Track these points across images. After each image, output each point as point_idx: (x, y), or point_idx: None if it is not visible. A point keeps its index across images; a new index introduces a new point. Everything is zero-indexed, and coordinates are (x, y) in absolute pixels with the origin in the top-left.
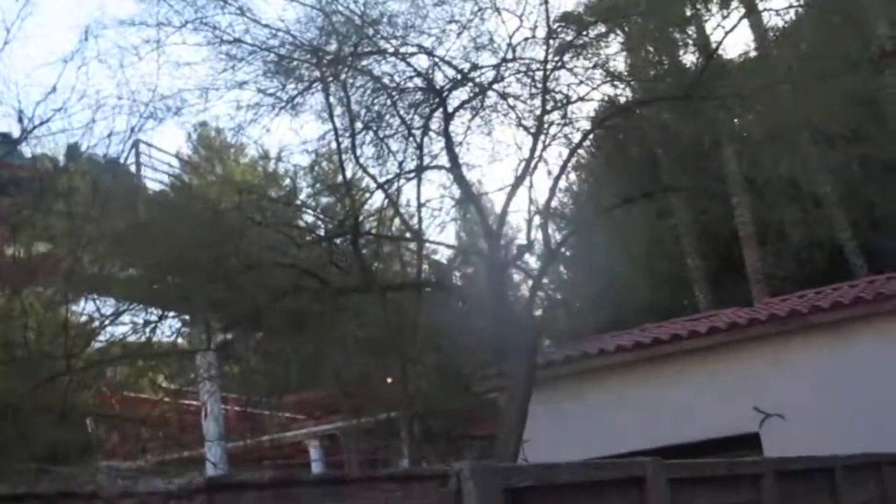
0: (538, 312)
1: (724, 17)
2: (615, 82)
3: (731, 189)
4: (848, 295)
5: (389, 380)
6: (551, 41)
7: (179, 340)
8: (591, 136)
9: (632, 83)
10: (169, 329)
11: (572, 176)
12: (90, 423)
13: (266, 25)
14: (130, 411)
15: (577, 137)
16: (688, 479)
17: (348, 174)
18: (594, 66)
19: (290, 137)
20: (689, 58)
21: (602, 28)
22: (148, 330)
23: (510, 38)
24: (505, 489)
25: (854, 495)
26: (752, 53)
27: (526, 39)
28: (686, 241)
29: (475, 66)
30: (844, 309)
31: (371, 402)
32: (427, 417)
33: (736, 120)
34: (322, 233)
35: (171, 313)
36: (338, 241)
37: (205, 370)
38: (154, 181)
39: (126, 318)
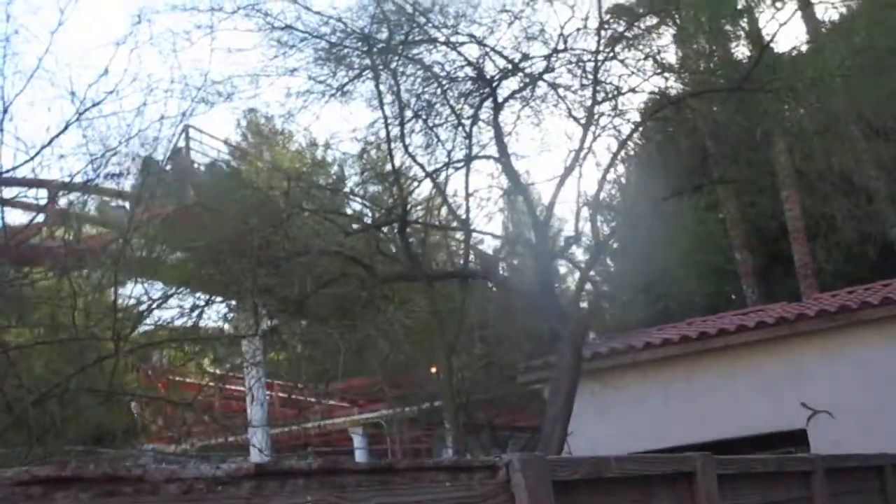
0: (584, 304)
1: (777, 10)
2: (666, 74)
3: (781, 183)
4: None
5: (434, 370)
6: (603, 32)
7: (226, 325)
8: (640, 129)
9: (682, 75)
10: (216, 314)
11: (621, 168)
12: (136, 407)
13: (318, 13)
14: (176, 395)
15: (626, 129)
16: (738, 475)
17: (397, 163)
18: (645, 58)
19: (340, 125)
20: (741, 50)
21: (653, 20)
22: (195, 314)
23: (562, 28)
24: (554, 481)
25: None
26: (805, 47)
27: (578, 30)
28: (734, 234)
29: (526, 56)
30: (894, 305)
31: (415, 391)
32: (471, 407)
33: (788, 113)
34: (369, 221)
35: (219, 298)
36: (385, 229)
37: (251, 355)
38: (204, 166)
39: (173, 302)
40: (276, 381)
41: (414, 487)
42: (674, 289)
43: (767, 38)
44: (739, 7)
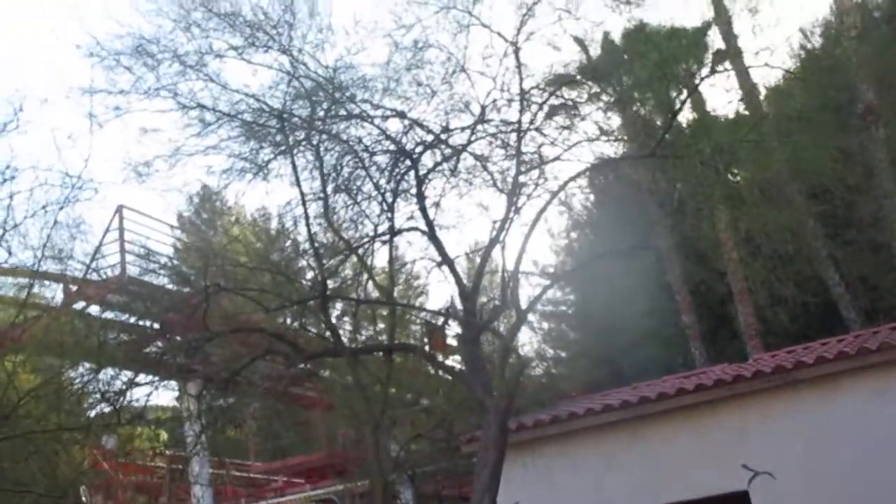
0: (510, 374)
1: (708, 76)
2: (589, 142)
3: (724, 246)
4: (834, 350)
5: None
6: (525, 103)
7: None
8: (564, 195)
9: (613, 142)
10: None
11: (573, 234)
12: (84, 493)
13: (235, 90)
14: (124, 478)
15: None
16: None
17: (321, 238)
18: (567, 128)
19: (266, 201)
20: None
21: (578, 91)
22: (120, 396)
23: (483, 100)
24: None
25: None
26: (742, 110)
27: (494, 101)
28: (681, 298)
29: (446, 129)
30: (829, 364)
31: (361, 465)
32: (419, 479)
33: (730, 176)
34: (293, 297)
35: (147, 378)
36: (309, 304)
37: (193, 436)
38: (137, 245)
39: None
40: (227, 459)
41: None
42: (627, 353)
43: (678, 106)
44: (665, 75)
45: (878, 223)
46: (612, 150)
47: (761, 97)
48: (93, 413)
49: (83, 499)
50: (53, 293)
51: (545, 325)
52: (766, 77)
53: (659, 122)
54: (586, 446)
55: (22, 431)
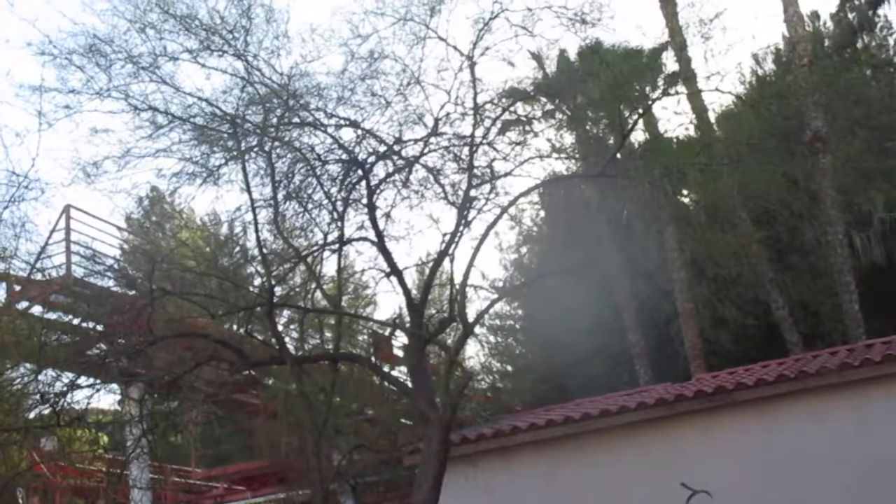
0: (454, 387)
1: (660, 97)
2: (541, 159)
3: (671, 265)
4: (774, 372)
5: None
6: (478, 117)
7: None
8: (514, 211)
9: (561, 159)
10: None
11: (523, 249)
12: (20, 494)
13: (188, 94)
14: (62, 481)
15: (507, 212)
16: None
17: (270, 245)
18: (519, 144)
19: (216, 206)
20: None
21: (532, 108)
22: (61, 397)
23: (436, 113)
24: None
25: None
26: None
27: (448, 115)
28: (626, 316)
29: (399, 140)
30: (768, 386)
31: (303, 474)
32: (360, 490)
33: (679, 198)
34: (239, 303)
35: (89, 380)
36: (256, 311)
37: (133, 439)
38: (83, 246)
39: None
40: (168, 465)
41: None
42: (573, 369)
43: (629, 126)
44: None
45: (820, 249)
46: (563, 167)
47: (712, 121)
48: (32, 414)
49: (19, 501)
50: None
51: (492, 338)
52: (717, 101)
53: (611, 142)
54: (528, 461)
55: None
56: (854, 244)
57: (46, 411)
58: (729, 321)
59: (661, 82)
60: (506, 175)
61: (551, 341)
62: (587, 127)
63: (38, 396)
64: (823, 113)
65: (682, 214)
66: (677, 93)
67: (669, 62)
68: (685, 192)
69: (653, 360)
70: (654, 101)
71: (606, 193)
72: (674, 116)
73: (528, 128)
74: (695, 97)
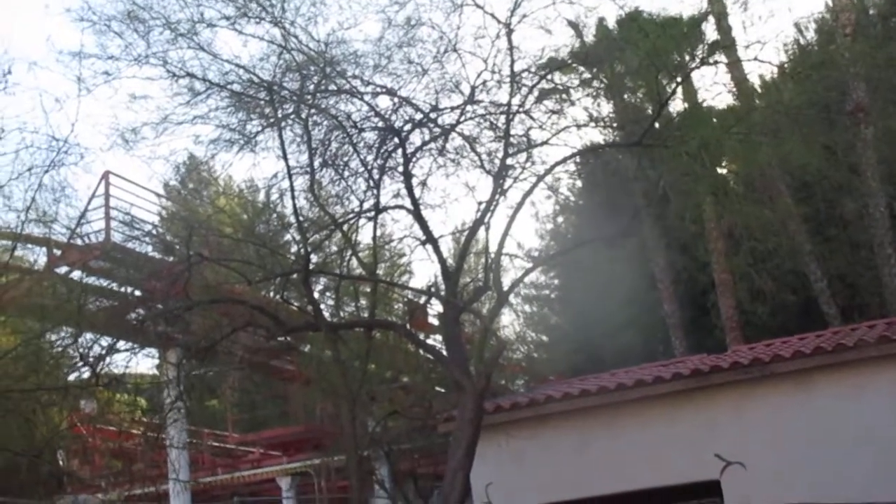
0: (488, 355)
1: (700, 67)
2: (578, 128)
3: (708, 236)
4: (811, 345)
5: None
6: (515, 86)
7: (155, 373)
8: (550, 180)
9: (598, 128)
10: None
11: (559, 219)
12: (61, 456)
13: (225, 61)
14: (102, 444)
15: (543, 180)
16: None
17: (306, 212)
18: (556, 112)
19: (253, 173)
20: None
21: (569, 76)
22: (100, 360)
23: (473, 81)
24: None
25: None
26: (732, 103)
27: (484, 83)
28: (663, 287)
29: (435, 108)
30: (805, 358)
31: (337, 440)
32: (395, 457)
33: (717, 169)
34: (276, 270)
35: (127, 344)
36: (292, 278)
37: (171, 404)
38: (122, 212)
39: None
40: (206, 429)
41: None
42: (608, 340)
43: (668, 95)
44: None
45: (860, 221)
46: (600, 136)
47: (752, 91)
48: (72, 377)
49: (60, 462)
50: (36, 256)
51: (527, 308)
52: (758, 71)
53: (649, 111)
54: (561, 430)
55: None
56: None
57: (86, 375)
58: (766, 293)
59: (700, 51)
60: (542, 144)
61: (587, 312)
62: (625, 96)
63: (77, 358)
64: (865, 83)
65: (720, 185)
66: (716, 62)
67: (709, 31)
68: (723, 162)
69: (688, 331)
70: (692, 70)
71: (643, 163)
72: (713, 86)
73: (565, 96)
74: (734, 66)
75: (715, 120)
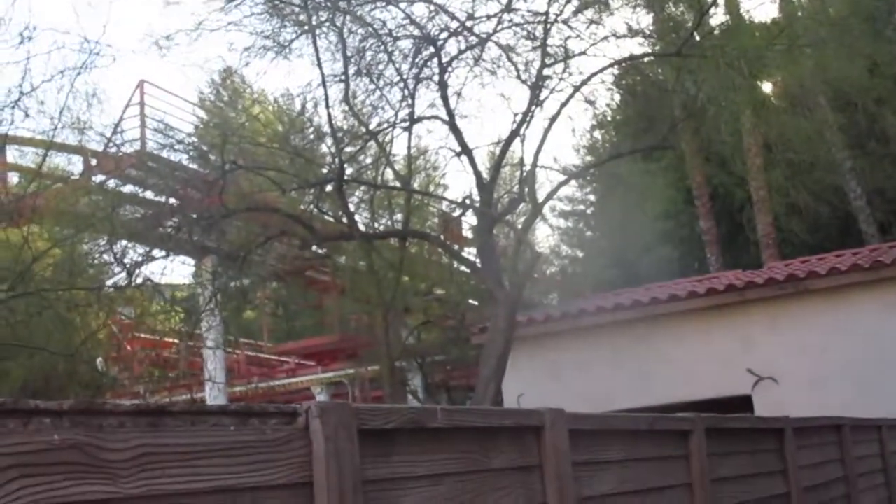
0: (522, 267)
1: None
2: (616, 38)
3: (747, 152)
4: (848, 262)
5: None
6: None
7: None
8: (588, 92)
9: (637, 38)
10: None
11: (596, 133)
12: (101, 362)
13: None
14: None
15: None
16: (596, 432)
17: (341, 122)
18: (595, 22)
19: (287, 82)
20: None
21: None
22: (137, 266)
23: None
24: (365, 430)
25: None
26: (776, 15)
27: None
28: (700, 203)
29: (471, 17)
30: (841, 275)
31: (372, 350)
32: (428, 369)
33: (756, 81)
34: (310, 179)
35: (162, 252)
36: (326, 187)
37: (207, 312)
38: (157, 121)
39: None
40: (242, 339)
41: (190, 430)
42: (643, 255)
43: (709, 4)
44: None
45: None
46: (639, 48)
47: (796, 1)
48: (108, 282)
49: (99, 368)
50: (71, 164)
51: (563, 223)
52: None
53: (689, 23)
54: (595, 343)
55: (35, 289)
56: None
57: (122, 281)
58: (803, 209)
59: None
60: (580, 54)
61: (622, 226)
62: (664, 6)
63: (114, 262)
64: None
65: (758, 98)
66: None
67: None
68: (763, 74)
69: (724, 247)
70: None
71: (682, 75)
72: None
73: (603, 6)
74: None
75: (756, 31)
